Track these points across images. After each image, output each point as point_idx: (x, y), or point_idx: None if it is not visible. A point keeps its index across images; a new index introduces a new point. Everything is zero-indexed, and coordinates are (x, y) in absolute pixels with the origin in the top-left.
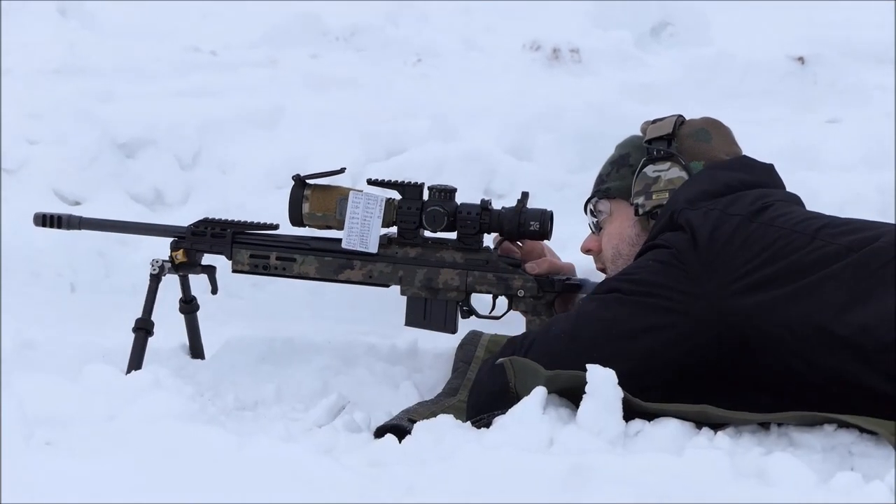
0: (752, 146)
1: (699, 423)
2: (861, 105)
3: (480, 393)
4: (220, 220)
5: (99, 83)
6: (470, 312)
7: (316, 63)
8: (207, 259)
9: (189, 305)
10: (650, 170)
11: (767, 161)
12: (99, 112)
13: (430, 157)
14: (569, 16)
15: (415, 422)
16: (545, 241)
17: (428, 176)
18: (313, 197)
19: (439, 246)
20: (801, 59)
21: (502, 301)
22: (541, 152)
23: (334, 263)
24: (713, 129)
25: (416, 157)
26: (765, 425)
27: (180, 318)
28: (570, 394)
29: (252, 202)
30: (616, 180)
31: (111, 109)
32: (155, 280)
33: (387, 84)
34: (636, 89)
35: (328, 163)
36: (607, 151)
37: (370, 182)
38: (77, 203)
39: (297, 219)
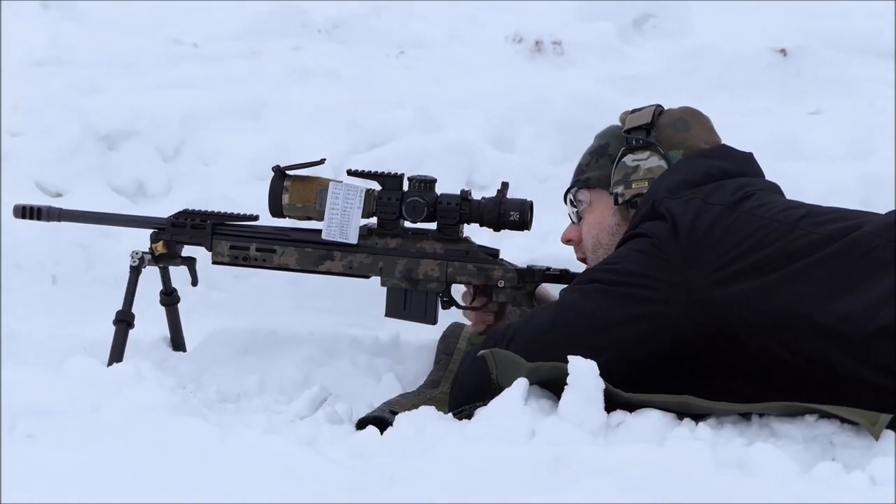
0: (735, 137)
1: (681, 414)
2: (843, 96)
3: (462, 385)
4: (200, 211)
5: (82, 75)
6: (450, 303)
7: (299, 55)
8: (188, 251)
9: (170, 297)
10: (629, 159)
11: (749, 151)
12: (81, 104)
13: (412, 149)
14: (552, 8)
15: (397, 413)
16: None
17: (410, 167)
18: (293, 188)
19: (419, 237)
20: (783, 52)
21: None
22: (523, 144)
23: (314, 254)
24: (692, 119)
25: (399, 148)
26: (746, 416)
27: (161, 311)
28: (552, 385)
29: (234, 194)
30: (595, 170)
31: (93, 101)
32: (135, 272)
33: (370, 76)
34: (619, 81)
35: (310, 154)
36: (588, 142)
37: (350, 172)
38: (59, 195)
39: (277, 210)
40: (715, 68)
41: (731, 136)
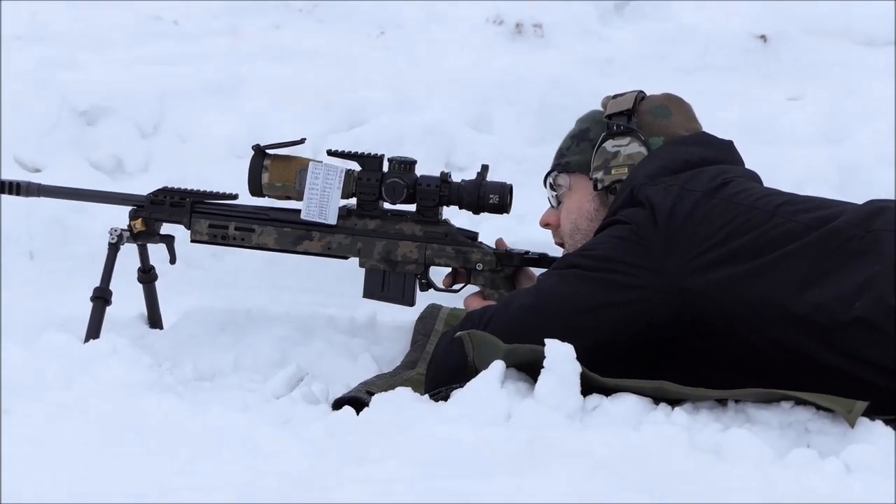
0: (712, 121)
1: (657, 399)
2: (822, 82)
3: (439, 366)
4: (180, 189)
5: (59, 51)
6: (428, 285)
7: (278, 33)
8: (166, 228)
9: (147, 275)
10: (610, 145)
11: (727, 137)
12: (60, 79)
13: (390, 129)
14: None
15: (373, 394)
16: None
17: (389, 148)
18: (273, 167)
19: (398, 218)
20: (763, 38)
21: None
22: (501, 125)
23: (293, 234)
24: (673, 106)
25: (377, 128)
26: (722, 402)
27: (139, 288)
28: (529, 368)
29: (212, 172)
30: (576, 154)
31: (72, 77)
32: (113, 249)
33: (349, 55)
34: (598, 63)
35: (289, 133)
36: (568, 125)
37: (330, 153)
38: (37, 170)
39: (256, 189)
40: (694, 52)
41: (708, 119)
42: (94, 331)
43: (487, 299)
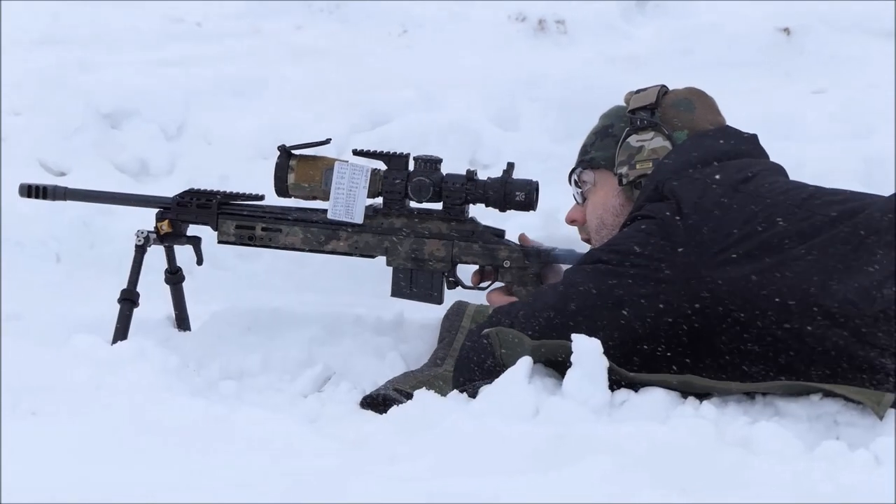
0: (736, 116)
1: (684, 393)
2: (846, 76)
3: (466, 363)
4: (206, 190)
5: (83, 53)
6: (456, 283)
7: (301, 34)
8: (193, 230)
9: (174, 276)
10: (633, 139)
11: (751, 131)
12: (83, 82)
13: (415, 128)
14: None
15: (400, 391)
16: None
17: (413, 146)
18: (299, 167)
19: (425, 216)
20: (786, 31)
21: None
22: (526, 122)
23: (320, 234)
24: (697, 99)
25: (401, 127)
26: (750, 395)
27: (166, 290)
28: (556, 364)
29: (237, 172)
30: (600, 150)
31: (96, 79)
32: (140, 251)
33: (371, 55)
34: (621, 60)
35: (313, 133)
36: (592, 121)
37: (356, 153)
38: (62, 174)
39: (282, 189)
40: (716, 47)
41: (732, 114)
42: (121, 332)
43: (514, 295)
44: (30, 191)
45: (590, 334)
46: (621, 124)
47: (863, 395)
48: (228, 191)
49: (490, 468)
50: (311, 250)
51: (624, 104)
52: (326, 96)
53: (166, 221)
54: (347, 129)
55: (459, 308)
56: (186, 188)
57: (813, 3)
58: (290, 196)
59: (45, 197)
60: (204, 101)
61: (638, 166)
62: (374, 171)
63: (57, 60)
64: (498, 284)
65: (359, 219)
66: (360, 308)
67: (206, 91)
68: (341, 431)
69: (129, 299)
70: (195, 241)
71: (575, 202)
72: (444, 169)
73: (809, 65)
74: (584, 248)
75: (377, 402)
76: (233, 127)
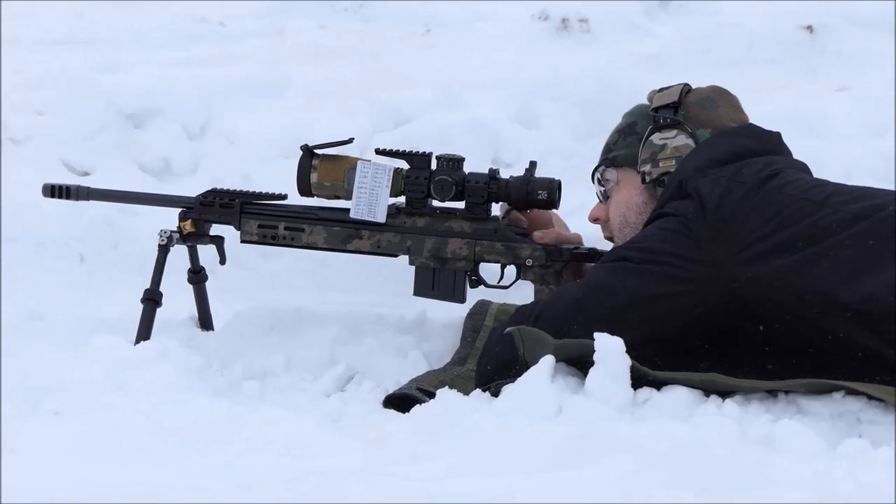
0: (759, 114)
1: (707, 391)
2: (868, 73)
3: (489, 362)
4: (229, 190)
5: (105, 53)
6: (478, 282)
7: (324, 33)
8: (216, 229)
9: (198, 276)
10: (657, 137)
11: (774, 129)
12: (106, 82)
13: (437, 127)
14: None
15: (423, 391)
16: (553, 210)
17: (435, 145)
18: (322, 167)
19: (447, 215)
20: (809, 28)
21: (511, 270)
22: (548, 121)
23: (343, 233)
24: (720, 97)
25: (424, 126)
26: (773, 393)
27: (189, 289)
28: (579, 362)
29: (260, 172)
30: (623, 148)
31: (119, 80)
32: (163, 251)
33: (394, 54)
34: (644, 58)
35: (335, 132)
36: (615, 120)
37: (378, 152)
38: (86, 173)
39: (305, 189)
40: (739, 45)
41: (754, 112)
42: (144, 332)
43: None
44: (53, 191)
45: (613, 333)
46: (644, 122)
47: (886, 392)
48: (251, 190)
49: (512, 467)
50: (333, 249)
51: (647, 102)
52: (349, 96)
53: (189, 221)
54: (370, 129)
55: (482, 307)
56: (209, 188)
57: (835, 2)
58: (312, 195)
59: (68, 197)
60: (227, 101)
61: (661, 164)
62: (397, 171)
63: (80, 60)
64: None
65: (381, 218)
66: (383, 307)
67: (229, 91)
68: (364, 431)
69: (152, 299)
70: (218, 241)
71: (598, 200)
72: (467, 168)
73: (832, 63)
74: (607, 246)
75: (400, 401)
76: (255, 126)
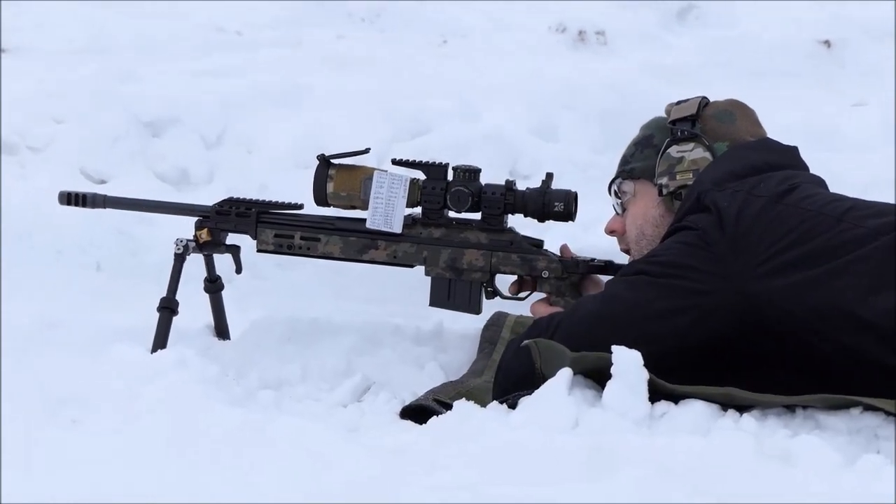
0: (775, 127)
1: (725, 406)
2: (886, 87)
3: (506, 374)
4: (245, 199)
5: (124, 63)
6: (494, 293)
7: (341, 43)
8: (232, 238)
9: (214, 285)
10: (674, 150)
11: (791, 143)
12: (124, 91)
13: (454, 138)
14: None
15: (440, 402)
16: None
17: (452, 156)
18: (338, 177)
19: (464, 226)
20: (827, 43)
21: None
22: (565, 133)
23: (359, 243)
24: (738, 111)
25: (441, 137)
26: (790, 408)
27: (205, 298)
28: (596, 375)
29: (276, 181)
30: (640, 161)
31: (136, 89)
32: (179, 259)
33: (411, 64)
34: (661, 70)
35: (352, 143)
36: (632, 132)
37: (395, 162)
38: (103, 182)
39: (321, 198)
40: (757, 58)
41: (771, 125)
42: (160, 341)
43: (554, 306)
44: (69, 198)
45: (630, 346)
46: (662, 135)
47: None
48: (267, 199)
49: (529, 479)
50: (349, 260)
51: (664, 115)
52: (366, 106)
53: (205, 230)
54: (387, 139)
55: (499, 319)
56: (226, 197)
57: (853, 15)
58: (329, 205)
59: (84, 205)
60: (244, 110)
61: (678, 177)
62: (413, 181)
63: (98, 69)
64: (539, 295)
65: (397, 228)
66: (399, 318)
67: (247, 100)
68: (380, 441)
69: (168, 308)
70: (234, 250)
71: (615, 213)
72: (483, 179)
73: (849, 77)
74: (624, 258)
75: (417, 412)
76: (272, 136)
